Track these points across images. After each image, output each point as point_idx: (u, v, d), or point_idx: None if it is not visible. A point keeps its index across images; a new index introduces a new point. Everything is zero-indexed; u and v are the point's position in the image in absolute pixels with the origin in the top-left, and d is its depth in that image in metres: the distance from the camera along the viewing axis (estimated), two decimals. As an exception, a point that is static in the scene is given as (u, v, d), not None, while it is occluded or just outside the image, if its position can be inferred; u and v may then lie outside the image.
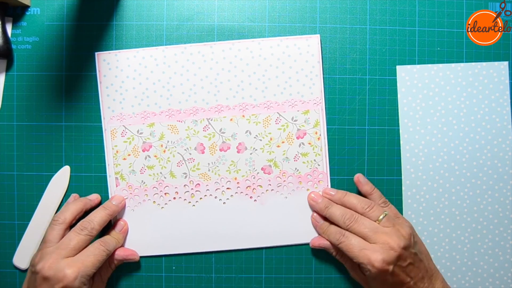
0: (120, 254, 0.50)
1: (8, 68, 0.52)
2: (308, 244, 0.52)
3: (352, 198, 0.50)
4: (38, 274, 0.44)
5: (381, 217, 0.47)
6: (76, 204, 0.49)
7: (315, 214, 0.52)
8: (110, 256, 0.50)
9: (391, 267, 0.45)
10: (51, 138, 0.52)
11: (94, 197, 0.51)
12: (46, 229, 0.51)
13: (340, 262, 0.51)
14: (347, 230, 0.48)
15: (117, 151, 0.52)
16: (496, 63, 0.53)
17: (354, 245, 0.46)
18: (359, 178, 0.52)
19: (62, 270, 0.44)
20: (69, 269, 0.44)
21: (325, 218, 0.51)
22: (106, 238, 0.49)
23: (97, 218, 0.48)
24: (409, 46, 0.53)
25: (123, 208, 0.52)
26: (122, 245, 0.52)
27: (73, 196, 0.51)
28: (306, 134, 0.52)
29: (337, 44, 0.53)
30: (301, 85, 0.52)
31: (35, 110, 0.52)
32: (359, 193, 0.52)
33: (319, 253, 0.53)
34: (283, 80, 0.52)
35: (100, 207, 0.50)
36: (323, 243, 0.51)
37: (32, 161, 0.52)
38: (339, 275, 0.53)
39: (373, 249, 0.45)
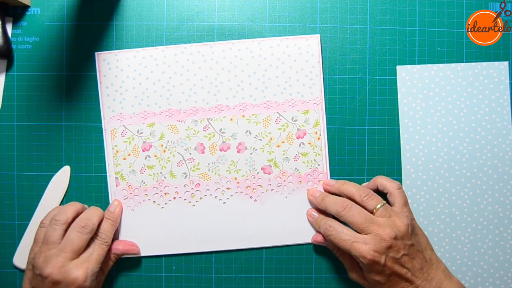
0: (119, 248, 0.50)
1: (8, 68, 0.52)
2: (308, 244, 0.52)
3: (351, 187, 0.49)
4: (47, 278, 0.44)
5: (378, 206, 0.47)
6: (75, 205, 0.49)
7: (309, 209, 0.52)
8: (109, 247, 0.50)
9: (383, 258, 0.44)
10: (51, 138, 0.52)
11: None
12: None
13: (340, 262, 0.51)
14: (340, 219, 0.47)
15: (117, 151, 0.52)
16: (496, 63, 0.53)
17: (344, 238, 0.46)
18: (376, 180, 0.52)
19: (71, 273, 0.44)
20: (78, 271, 0.45)
21: (323, 212, 0.51)
22: (100, 231, 0.49)
23: (95, 216, 0.48)
24: (409, 46, 0.53)
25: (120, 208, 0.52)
26: (118, 238, 0.52)
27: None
28: (306, 134, 0.52)
29: (337, 44, 0.53)
30: (301, 85, 0.52)
31: (35, 110, 0.52)
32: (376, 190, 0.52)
33: (319, 253, 0.53)
34: (283, 80, 0.52)
35: (95, 207, 0.50)
36: (322, 239, 0.51)
37: (32, 161, 0.52)
38: (339, 275, 0.53)
39: (364, 240, 0.45)
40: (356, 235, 0.45)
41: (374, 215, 0.47)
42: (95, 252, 0.47)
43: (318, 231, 0.51)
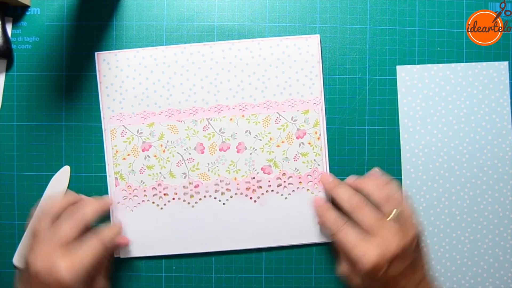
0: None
1: (8, 68, 0.52)
2: (308, 244, 0.52)
3: (371, 184, 0.47)
4: (30, 267, 0.41)
5: (393, 212, 0.44)
6: (69, 197, 0.47)
7: (318, 195, 0.50)
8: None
9: (385, 265, 0.42)
10: (51, 138, 0.52)
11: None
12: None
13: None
14: (350, 216, 0.45)
15: (116, 151, 0.52)
16: (496, 63, 0.53)
17: (349, 240, 0.44)
18: (375, 171, 0.50)
19: (55, 262, 0.41)
20: (63, 262, 0.41)
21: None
22: (102, 231, 0.46)
23: (89, 206, 0.46)
24: (409, 46, 0.53)
25: (112, 204, 0.51)
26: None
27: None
28: (306, 134, 0.52)
29: (337, 44, 0.53)
30: (300, 85, 0.52)
31: (35, 110, 0.52)
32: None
33: (319, 253, 0.53)
34: (283, 80, 0.52)
35: (91, 198, 0.49)
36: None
37: (32, 161, 0.52)
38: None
39: (371, 242, 0.43)
40: (364, 235, 0.44)
41: (387, 219, 0.44)
42: (88, 249, 0.43)
43: (319, 218, 0.50)
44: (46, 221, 0.44)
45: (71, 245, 0.43)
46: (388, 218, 0.44)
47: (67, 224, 0.44)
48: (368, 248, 0.42)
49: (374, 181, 0.48)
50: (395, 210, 0.44)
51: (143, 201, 0.52)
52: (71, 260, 0.41)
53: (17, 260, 0.52)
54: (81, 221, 0.45)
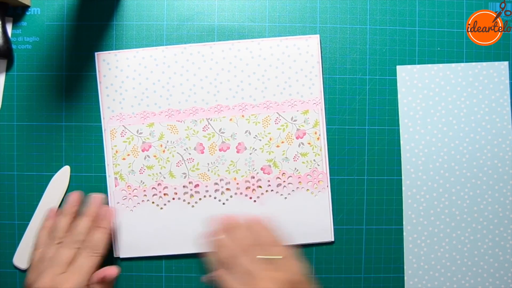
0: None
1: (8, 68, 0.52)
2: (308, 244, 0.52)
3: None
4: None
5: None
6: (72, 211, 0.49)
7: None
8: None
9: None
10: (51, 138, 0.52)
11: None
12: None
13: (339, 262, 0.51)
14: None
15: (116, 151, 0.52)
16: (496, 63, 0.53)
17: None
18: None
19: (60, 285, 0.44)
20: (67, 284, 0.44)
21: None
22: (92, 241, 0.48)
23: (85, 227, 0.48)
24: (409, 46, 0.53)
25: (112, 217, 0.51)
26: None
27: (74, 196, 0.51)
28: (305, 134, 0.52)
29: (337, 44, 0.53)
30: (300, 85, 0.52)
31: (35, 110, 0.52)
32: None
33: (319, 253, 0.53)
34: (283, 80, 0.52)
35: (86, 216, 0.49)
36: None
37: (32, 161, 0.52)
38: (339, 275, 0.53)
39: None
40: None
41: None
42: (86, 264, 0.46)
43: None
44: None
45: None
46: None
47: (69, 252, 0.46)
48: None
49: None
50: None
51: (142, 201, 0.52)
52: (73, 280, 0.44)
53: (17, 260, 0.52)
54: (80, 246, 0.47)
